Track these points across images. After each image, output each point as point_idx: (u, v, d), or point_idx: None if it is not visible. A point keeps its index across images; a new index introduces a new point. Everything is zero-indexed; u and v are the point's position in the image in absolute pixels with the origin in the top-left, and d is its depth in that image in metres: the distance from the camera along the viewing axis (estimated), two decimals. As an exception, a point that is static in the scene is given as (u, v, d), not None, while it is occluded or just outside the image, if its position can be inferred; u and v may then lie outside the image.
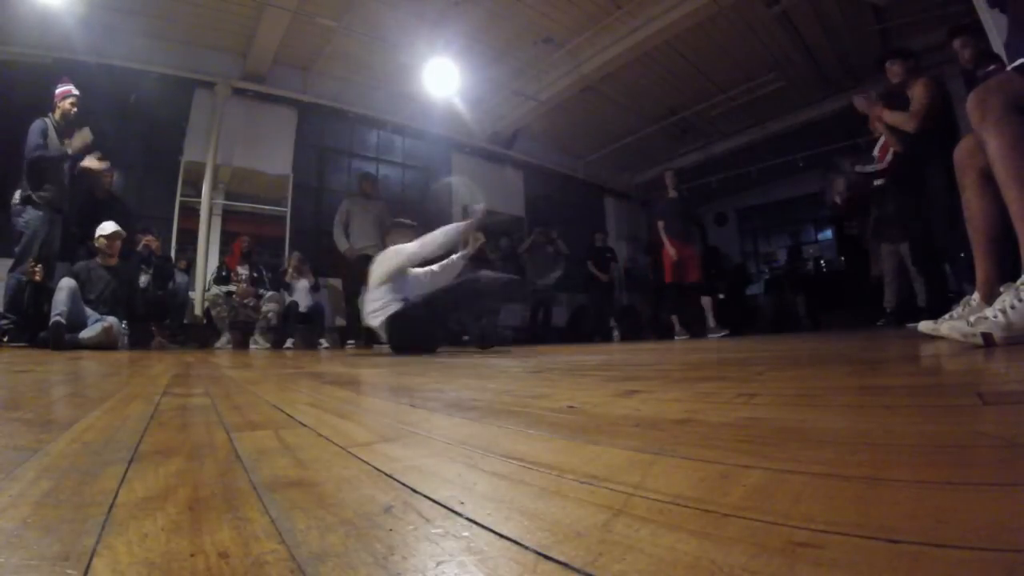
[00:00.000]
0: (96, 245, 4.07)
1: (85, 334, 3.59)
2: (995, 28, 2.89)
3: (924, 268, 4.20)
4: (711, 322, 5.63)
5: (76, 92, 4.12)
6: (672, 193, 5.93)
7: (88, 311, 3.77)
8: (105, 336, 3.61)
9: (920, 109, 3.32)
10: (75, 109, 4.09)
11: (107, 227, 4.07)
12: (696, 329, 5.78)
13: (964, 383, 0.85)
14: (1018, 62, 1.48)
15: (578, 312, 8.28)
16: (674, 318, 5.83)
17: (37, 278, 3.73)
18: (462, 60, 6.07)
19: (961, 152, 1.62)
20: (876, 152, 4.27)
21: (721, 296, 9.30)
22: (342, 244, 5.38)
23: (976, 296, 1.56)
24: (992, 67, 2.68)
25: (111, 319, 3.74)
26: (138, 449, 0.50)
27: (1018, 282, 1.30)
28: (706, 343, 3.86)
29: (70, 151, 3.98)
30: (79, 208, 4.39)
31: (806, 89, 7.23)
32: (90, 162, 4.13)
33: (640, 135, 8.39)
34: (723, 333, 5.50)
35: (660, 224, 5.85)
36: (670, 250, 5.65)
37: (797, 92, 7.26)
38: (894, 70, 3.65)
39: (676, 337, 5.62)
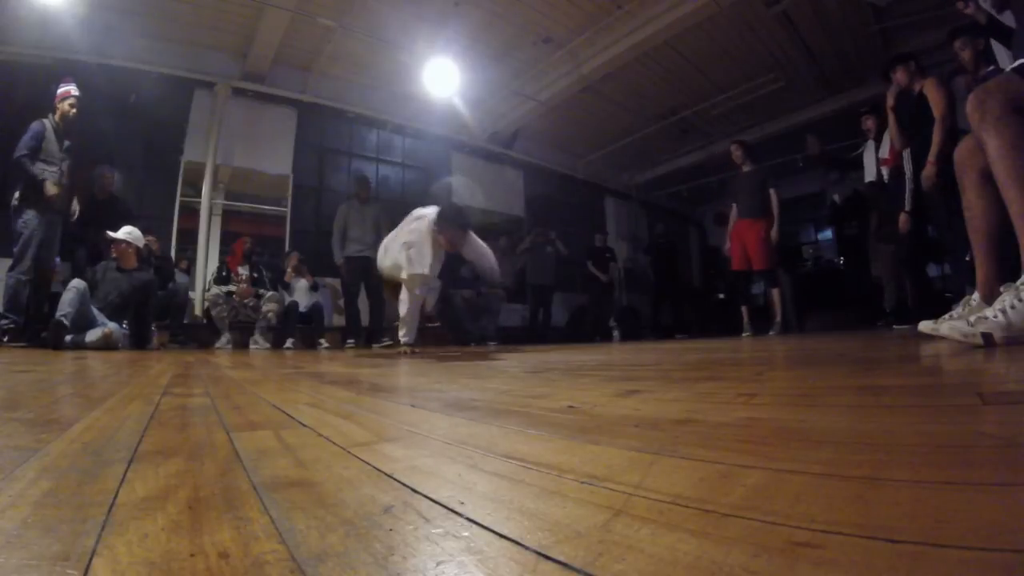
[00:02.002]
0: (113, 245, 4.08)
1: (87, 338, 3.59)
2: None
3: (910, 269, 4.24)
4: (778, 315, 5.04)
5: (76, 93, 4.07)
6: (745, 167, 5.27)
7: (96, 313, 3.78)
8: (105, 342, 3.62)
9: (944, 112, 3.35)
10: (74, 110, 4.04)
11: (124, 231, 4.09)
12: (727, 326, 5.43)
13: (964, 383, 0.85)
14: (1017, 63, 1.48)
15: (578, 312, 8.28)
16: (743, 310, 5.22)
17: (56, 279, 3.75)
18: (462, 60, 6.07)
19: (961, 152, 1.62)
20: (885, 154, 4.26)
21: (721, 296, 9.30)
22: (337, 255, 5.38)
23: (976, 296, 1.56)
24: (992, 67, 2.68)
25: (112, 325, 3.74)
26: (138, 449, 0.50)
27: (1018, 282, 1.30)
28: (704, 343, 3.86)
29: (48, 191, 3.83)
30: (79, 208, 4.38)
31: (806, 89, 7.23)
32: (47, 188, 3.87)
33: (640, 135, 8.39)
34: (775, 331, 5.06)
35: (733, 207, 5.25)
36: (727, 243, 5.20)
37: (797, 92, 7.26)
38: (898, 77, 3.72)
39: (743, 334, 5.07)
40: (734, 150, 5.35)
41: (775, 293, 5.07)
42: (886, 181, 4.21)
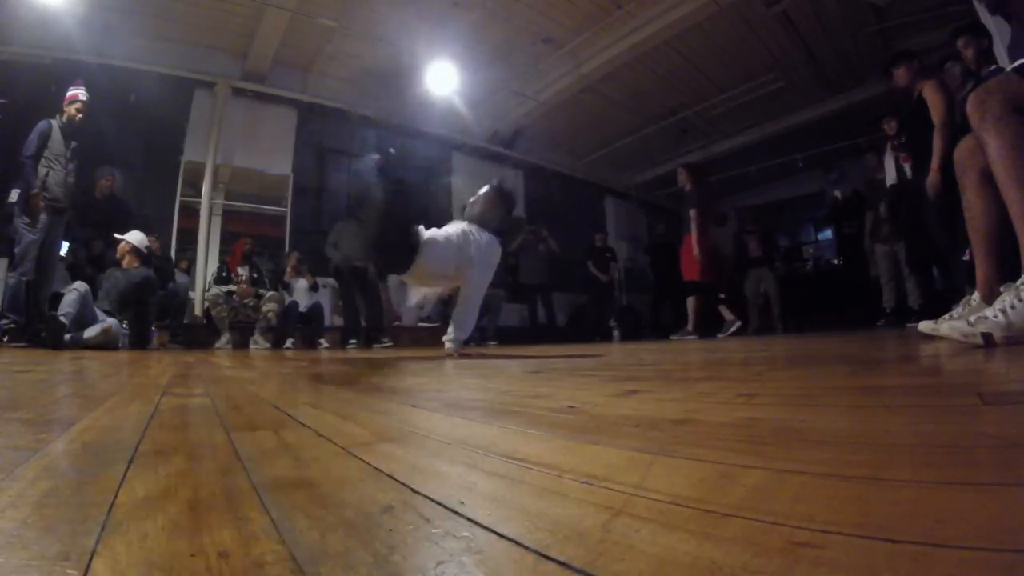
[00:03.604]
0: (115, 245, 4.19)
1: (85, 334, 3.61)
2: (996, 30, 2.89)
3: (917, 269, 4.23)
4: (689, 324, 5.43)
5: (84, 98, 4.04)
6: (687, 187, 5.59)
7: (100, 314, 3.80)
8: (104, 337, 3.63)
9: (943, 117, 3.34)
10: (80, 115, 4.01)
11: (129, 234, 4.21)
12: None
13: (964, 383, 0.85)
14: (1018, 63, 1.48)
15: (578, 312, 8.27)
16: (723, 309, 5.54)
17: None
18: (462, 60, 6.08)
19: (961, 152, 1.62)
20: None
21: (722, 296, 9.28)
22: (334, 257, 5.36)
23: (976, 296, 1.56)
24: (993, 67, 2.68)
25: (111, 320, 3.76)
26: (138, 449, 0.50)
27: (1018, 282, 1.30)
28: (703, 343, 3.86)
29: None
30: (80, 209, 4.39)
31: (806, 89, 7.23)
32: (35, 200, 3.82)
33: (640, 135, 8.39)
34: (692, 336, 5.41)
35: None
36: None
37: (797, 92, 7.25)
38: (900, 74, 3.67)
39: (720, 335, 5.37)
40: (679, 172, 5.63)
41: (690, 302, 5.41)
42: (908, 178, 4.16)
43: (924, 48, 5.27)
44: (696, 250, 5.28)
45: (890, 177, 4.47)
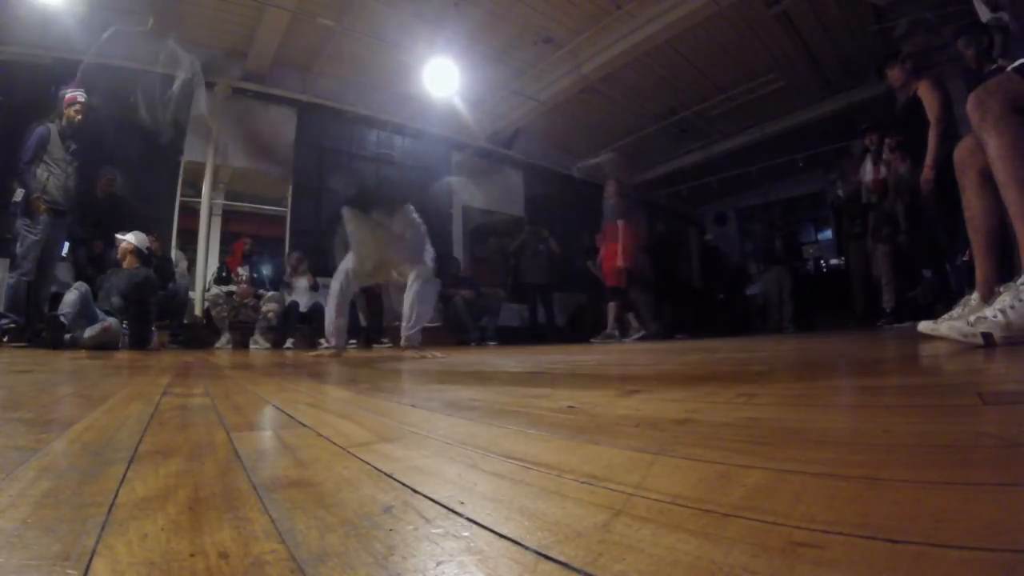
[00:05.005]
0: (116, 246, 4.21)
1: (85, 333, 3.61)
2: (997, 28, 2.89)
3: (900, 270, 4.33)
4: (640, 324, 5.73)
5: (83, 99, 4.02)
6: (611, 200, 5.98)
7: (100, 315, 3.80)
8: (104, 336, 3.63)
9: (939, 116, 3.35)
10: (80, 116, 4.00)
11: (130, 235, 4.23)
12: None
13: (964, 383, 0.84)
14: (1018, 63, 1.48)
15: (578, 312, 8.27)
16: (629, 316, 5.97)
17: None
18: (462, 60, 6.07)
19: (961, 152, 1.62)
20: (871, 176, 4.40)
21: (721, 296, 9.30)
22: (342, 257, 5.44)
23: (976, 296, 1.56)
24: (994, 67, 2.68)
25: (111, 320, 3.76)
26: (138, 449, 0.50)
27: (1018, 282, 1.30)
28: (703, 343, 3.86)
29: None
30: (81, 209, 4.39)
31: (806, 89, 7.22)
32: (36, 204, 3.84)
33: (640, 135, 8.38)
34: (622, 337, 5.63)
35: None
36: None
37: (797, 92, 7.25)
38: (894, 75, 3.68)
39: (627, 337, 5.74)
40: (609, 184, 5.99)
41: (611, 306, 5.81)
42: (874, 202, 4.34)
43: (923, 48, 5.28)
44: (620, 259, 5.71)
45: (867, 176, 4.61)
